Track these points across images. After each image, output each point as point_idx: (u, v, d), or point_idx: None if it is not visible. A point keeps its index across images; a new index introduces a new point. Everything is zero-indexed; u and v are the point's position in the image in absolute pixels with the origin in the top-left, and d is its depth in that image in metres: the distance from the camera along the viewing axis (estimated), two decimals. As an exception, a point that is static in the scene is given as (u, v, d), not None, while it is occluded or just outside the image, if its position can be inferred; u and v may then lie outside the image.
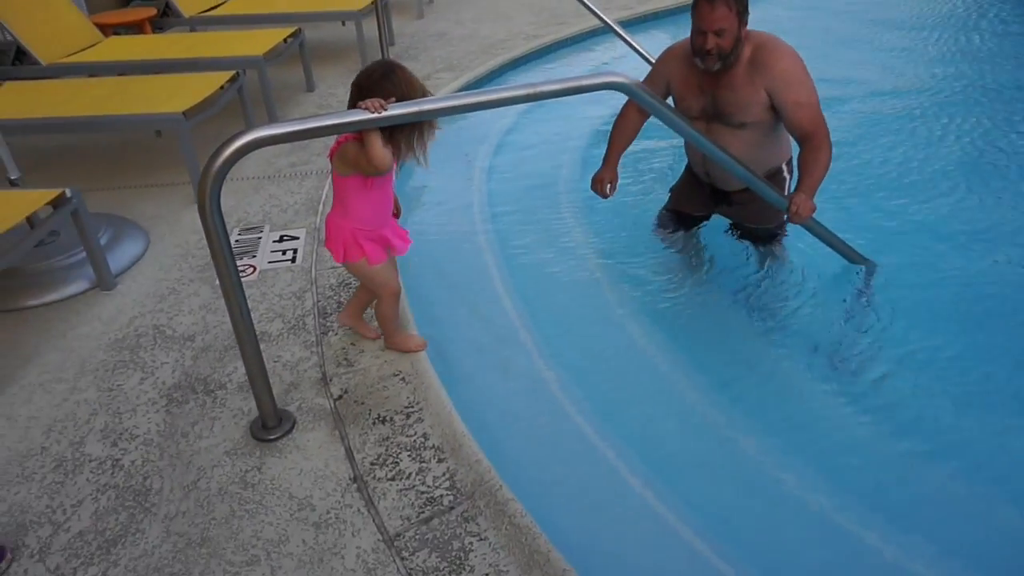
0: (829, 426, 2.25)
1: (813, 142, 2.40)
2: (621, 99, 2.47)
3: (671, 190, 3.07)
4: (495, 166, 4.02)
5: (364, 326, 2.42)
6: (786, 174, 2.75)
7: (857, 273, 2.83)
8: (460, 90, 4.76)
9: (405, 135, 1.93)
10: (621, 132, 2.76)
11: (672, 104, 2.66)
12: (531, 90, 1.94)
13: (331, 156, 2.04)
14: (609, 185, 2.74)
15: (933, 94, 4.75)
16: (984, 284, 2.80)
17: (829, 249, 2.75)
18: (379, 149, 1.87)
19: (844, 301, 2.75)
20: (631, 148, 2.82)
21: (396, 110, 1.79)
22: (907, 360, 2.45)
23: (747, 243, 2.93)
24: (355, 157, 1.94)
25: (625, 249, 3.17)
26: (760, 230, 2.86)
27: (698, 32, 2.38)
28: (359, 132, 1.89)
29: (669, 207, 3.04)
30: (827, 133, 2.42)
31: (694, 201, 2.94)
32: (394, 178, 2.16)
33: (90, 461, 1.97)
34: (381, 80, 1.86)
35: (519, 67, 5.54)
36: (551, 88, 1.98)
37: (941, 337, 2.54)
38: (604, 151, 2.78)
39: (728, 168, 2.43)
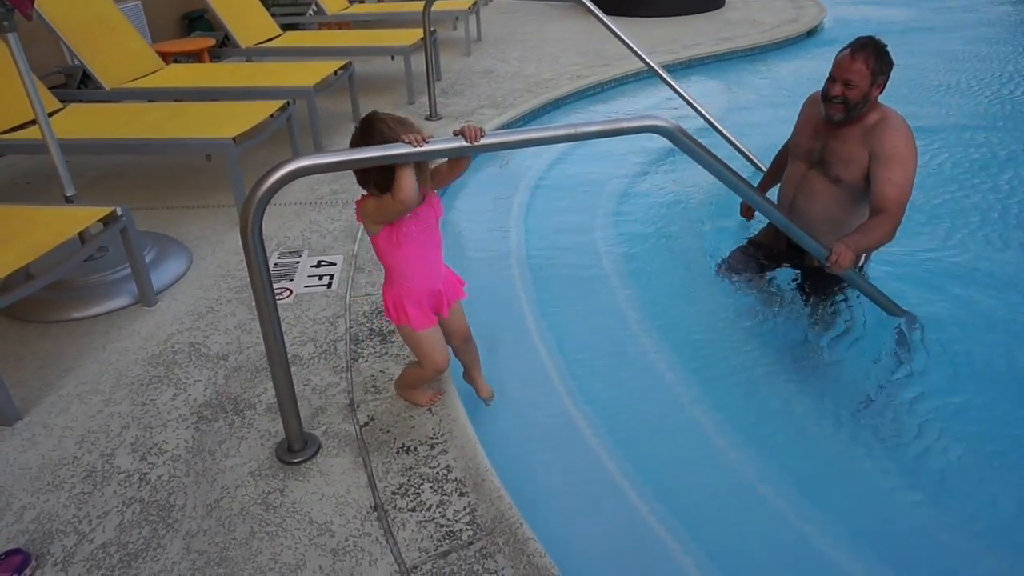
0: (860, 484, 2.19)
1: (884, 218, 2.45)
2: (662, 143, 2.48)
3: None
4: (532, 204, 4.07)
5: (479, 383, 2.32)
6: (865, 257, 2.82)
7: (898, 326, 2.76)
8: (502, 127, 4.84)
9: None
10: (773, 175, 3.08)
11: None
12: (572, 130, 1.97)
13: (359, 219, 1.96)
14: (751, 211, 3.11)
15: (982, 136, 4.68)
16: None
17: (870, 301, 2.70)
18: (407, 180, 1.76)
19: (883, 354, 2.68)
20: (668, 191, 2.84)
21: (437, 145, 1.83)
22: (943, 416, 2.38)
23: (800, 295, 2.91)
24: (375, 208, 1.86)
25: (658, 291, 3.15)
26: (824, 290, 2.86)
27: (830, 78, 2.52)
28: (370, 193, 1.88)
29: (754, 238, 3.09)
30: (900, 220, 2.47)
31: (778, 240, 2.96)
32: (438, 231, 2.01)
33: (119, 473, 2.00)
34: (363, 140, 1.81)
35: (562, 106, 5.62)
36: (592, 129, 2.00)
37: (982, 395, 2.47)
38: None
39: (768, 215, 2.43)
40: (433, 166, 1.94)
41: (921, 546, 1.98)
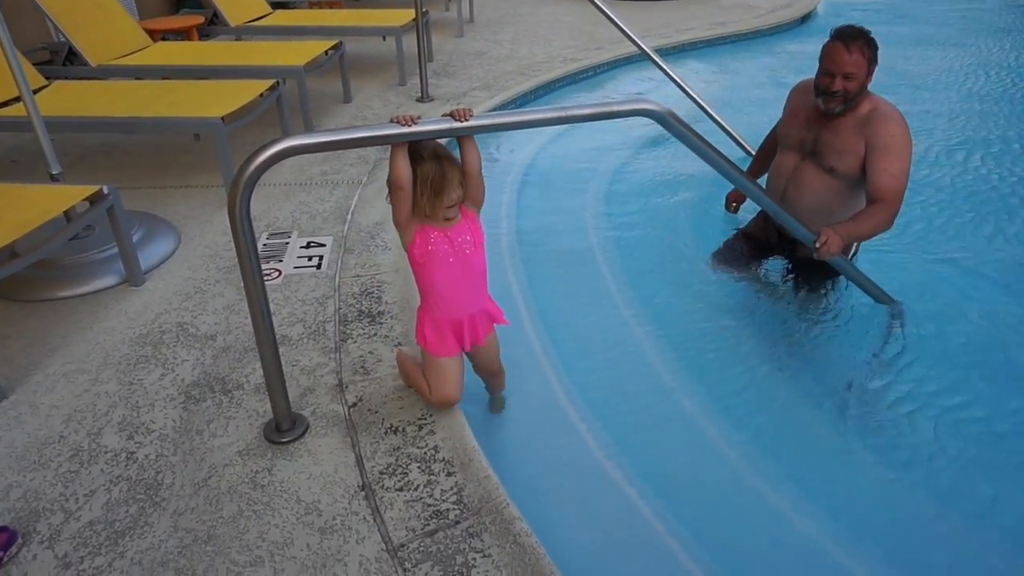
0: (849, 471, 2.21)
1: (881, 207, 2.45)
2: (654, 127, 2.49)
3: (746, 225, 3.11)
4: (522, 190, 4.06)
5: (495, 402, 2.31)
6: (854, 247, 2.82)
7: (884, 313, 2.79)
8: (494, 109, 4.82)
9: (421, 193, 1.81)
10: (760, 161, 3.05)
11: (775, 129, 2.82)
12: (563, 113, 1.96)
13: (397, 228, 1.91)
14: (734, 203, 3.10)
15: (968, 128, 4.71)
16: (1013, 330, 2.74)
17: (859, 290, 2.72)
18: (397, 160, 1.76)
19: (868, 341, 2.70)
20: (659, 176, 2.83)
21: (427, 126, 1.82)
22: (928, 403, 2.41)
23: (791, 285, 2.93)
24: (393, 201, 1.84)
25: (649, 278, 3.16)
26: (814, 280, 2.88)
27: (826, 73, 2.47)
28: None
29: (744, 229, 3.06)
30: (897, 211, 2.47)
31: (769, 230, 2.95)
32: (478, 255, 1.92)
33: (105, 452, 2.00)
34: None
35: (555, 90, 5.60)
36: (583, 112, 2.00)
37: (964, 382, 2.50)
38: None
39: (758, 201, 2.45)
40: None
41: (911, 532, 2.01)
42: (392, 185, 1.81)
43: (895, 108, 2.52)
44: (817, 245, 2.37)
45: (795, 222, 2.48)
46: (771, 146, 2.97)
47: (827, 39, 2.50)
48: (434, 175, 1.78)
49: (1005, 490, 2.10)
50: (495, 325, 2.08)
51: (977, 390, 2.46)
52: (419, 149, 1.81)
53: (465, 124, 1.82)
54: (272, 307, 2.53)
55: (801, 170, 2.65)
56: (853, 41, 2.43)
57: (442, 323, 1.96)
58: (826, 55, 2.48)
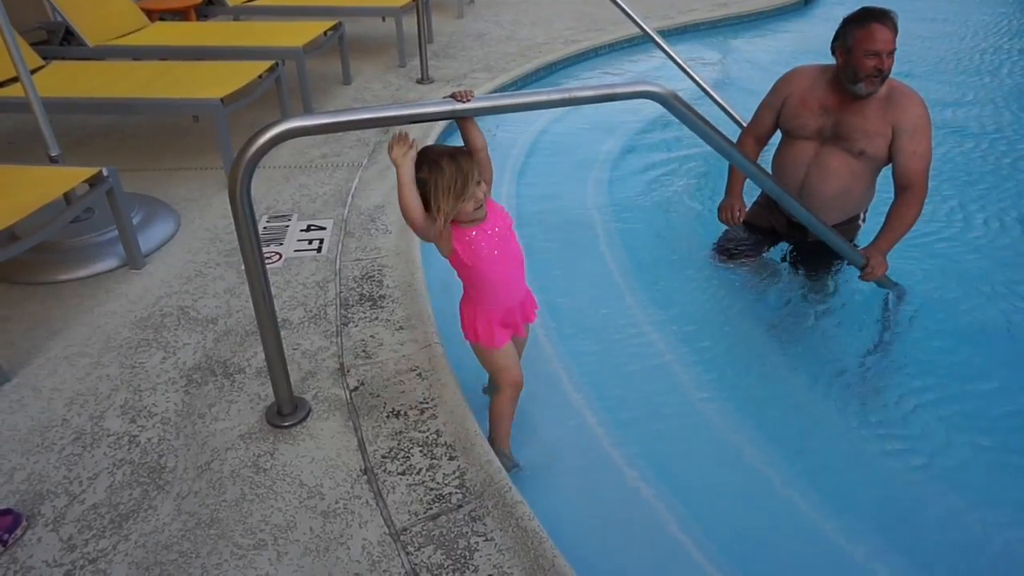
0: (850, 451, 2.22)
1: (911, 195, 2.47)
2: (657, 109, 2.46)
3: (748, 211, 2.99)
4: (524, 171, 4.04)
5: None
6: (861, 222, 2.79)
7: (887, 299, 2.78)
8: (495, 91, 4.78)
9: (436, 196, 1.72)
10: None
11: (779, 122, 2.73)
12: (565, 95, 1.93)
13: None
14: (738, 212, 2.83)
15: (971, 107, 4.67)
16: (1019, 313, 2.73)
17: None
18: (406, 194, 1.69)
19: (871, 326, 2.70)
20: (662, 159, 2.80)
21: (427, 108, 1.80)
22: (931, 388, 2.41)
23: (793, 268, 2.90)
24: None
25: (652, 263, 3.15)
26: (819, 265, 2.85)
27: (870, 54, 2.37)
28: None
29: (745, 219, 2.92)
30: (926, 193, 2.47)
31: (776, 218, 2.88)
32: (513, 241, 1.86)
33: (108, 436, 2.00)
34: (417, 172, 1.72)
35: (556, 71, 5.55)
36: (585, 94, 1.97)
37: (968, 366, 2.50)
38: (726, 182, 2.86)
39: (769, 191, 2.41)
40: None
41: (913, 511, 2.02)
42: (408, 218, 1.73)
43: (910, 86, 2.49)
44: (864, 273, 2.47)
45: (840, 241, 2.49)
46: (751, 148, 2.82)
47: (853, 25, 2.41)
48: (455, 177, 1.69)
49: (1010, 473, 2.10)
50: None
51: (983, 374, 2.46)
52: (429, 155, 1.73)
53: (467, 106, 1.80)
54: (273, 290, 2.52)
55: (824, 157, 2.58)
56: (887, 18, 2.38)
57: (494, 316, 1.90)
58: (867, 37, 2.36)
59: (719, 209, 2.89)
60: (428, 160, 1.72)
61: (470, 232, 1.78)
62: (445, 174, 1.69)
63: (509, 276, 1.87)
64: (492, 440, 2.03)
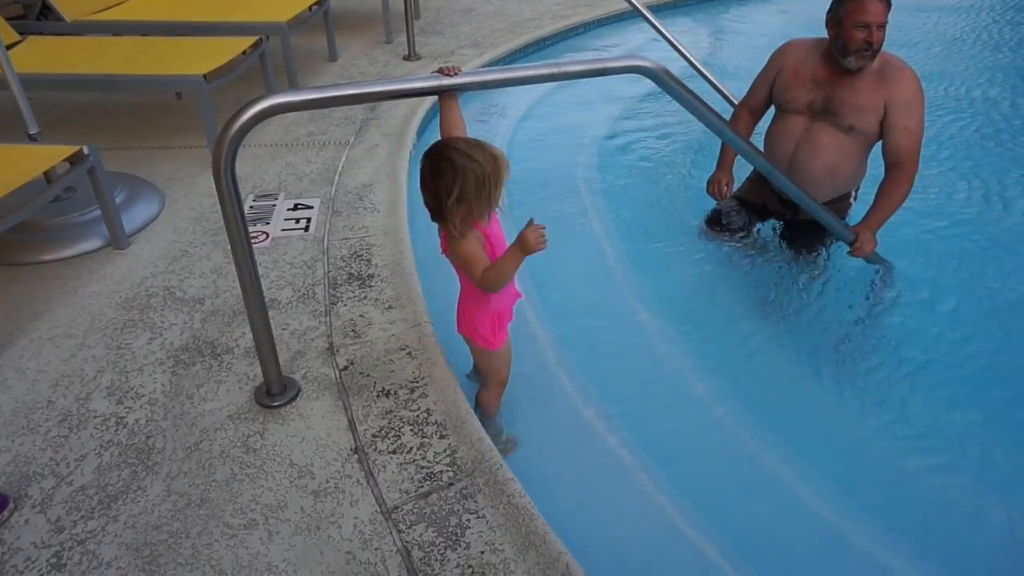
0: (839, 428, 2.24)
1: (901, 173, 2.46)
2: (647, 85, 2.44)
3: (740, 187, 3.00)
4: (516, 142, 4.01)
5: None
6: (852, 200, 2.78)
7: (875, 273, 2.79)
8: (484, 67, 4.73)
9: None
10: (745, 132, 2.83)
11: (771, 95, 2.71)
12: (554, 69, 1.92)
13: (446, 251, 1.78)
14: (726, 186, 2.83)
15: (963, 83, 4.67)
16: (1007, 290, 2.75)
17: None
18: (468, 245, 1.63)
19: (859, 301, 2.71)
20: (652, 135, 2.78)
21: (415, 83, 1.78)
22: (914, 362, 2.44)
23: (783, 245, 2.90)
24: (471, 252, 1.68)
25: (642, 240, 3.15)
26: (809, 242, 2.84)
27: (859, 26, 2.34)
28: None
29: (737, 194, 2.96)
30: (916, 170, 2.46)
31: (767, 195, 2.86)
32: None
33: (95, 417, 1.99)
34: (434, 176, 1.60)
35: (545, 47, 5.50)
36: (574, 68, 1.96)
37: (955, 342, 2.52)
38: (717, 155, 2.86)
39: (759, 166, 2.40)
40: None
41: (903, 489, 2.04)
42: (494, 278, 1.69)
43: (903, 60, 2.47)
44: (852, 249, 2.46)
45: (828, 216, 2.48)
46: (746, 122, 2.83)
47: None
48: (490, 167, 1.58)
49: (1005, 448, 2.13)
50: None
51: (970, 349, 2.48)
52: (456, 148, 1.59)
53: (454, 81, 1.78)
54: (260, 270, 2.49)
55: (814, 131, 2.56)
56: None
57: (503, 314, 1.89)
58: (857, 9, 2.33)
59: (708, 183, 2.90)
60: (452, 151, 1.58)
61: (488, 229, 1.73)
62: (481, 165, 1.57)
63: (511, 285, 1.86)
64: (483, 417, 2.04)
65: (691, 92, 2.15)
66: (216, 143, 1.61)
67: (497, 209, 1.71)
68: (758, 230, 2.97)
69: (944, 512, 1.98)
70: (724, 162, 2.87)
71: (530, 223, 1.62)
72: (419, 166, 1.65)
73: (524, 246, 1.62)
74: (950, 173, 3.58)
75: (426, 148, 1.67)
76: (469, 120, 1.88)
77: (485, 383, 2.07)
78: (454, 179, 1.57)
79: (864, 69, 2.43)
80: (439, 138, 1.73)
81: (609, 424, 2.19)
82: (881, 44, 2.38)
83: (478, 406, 2.07)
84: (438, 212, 1.64)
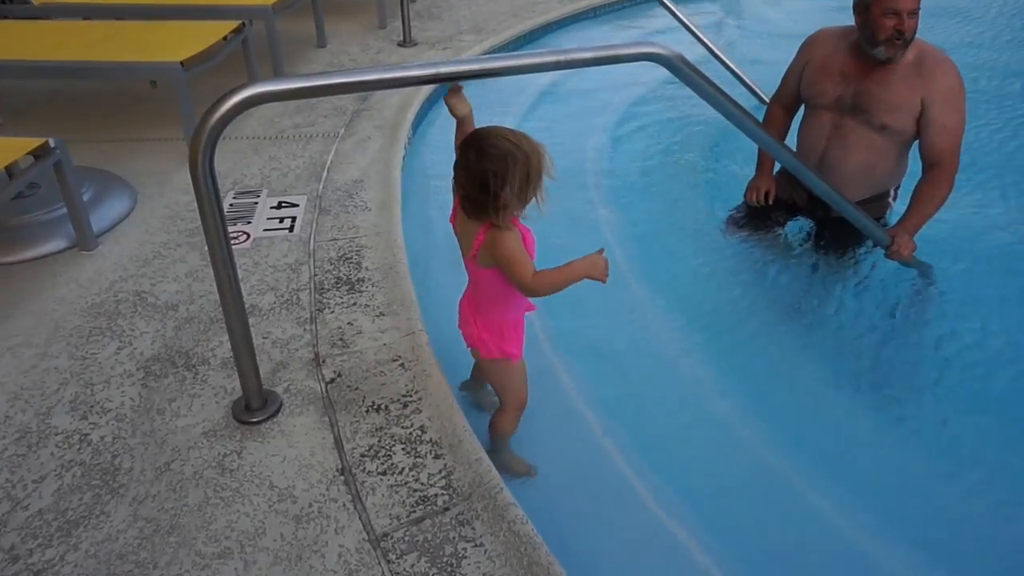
0: (874, 448, 2.21)
1: (940, 173, 2.44)
2: (662, 73, 2.43)
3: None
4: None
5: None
6: (891, 200, 2.75)
7: (911, 276, 2.77)
8: (485, 54, 4.73)
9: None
10: (772, 135, 2.79)
11: (800, 89, 2.69)
12: (561, 57, 1.90)
13: (452, 221, 1.79)
14: (767, 193, 2.80)
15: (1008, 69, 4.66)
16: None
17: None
18: (511, 242, 1.63)
19: (894, 306, 2.69)
20: (666, 129, 2.77)
21: (412, 71, 1.77)
22: (954, 370, 2.42)
23: (814, 247, 2.88)
24: (513, 247, 1.67)
25: (657, 241, 3.13)
26: (841, 243, 2.82)
27: (889, 13, 2.31)
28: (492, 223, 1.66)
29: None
30: (956, 170, 2.44)
31: (797, 191, 2.83)
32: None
33: (56, 434, 1.97)
34: (479, 162, 1.60)
35: (551, 32, 5.50)
36: (583, 56, 1.93)
37: (996, 351, 2.49)
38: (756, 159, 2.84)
39: (786, 163, 2.38)
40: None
41: (945, 519, 2.01)
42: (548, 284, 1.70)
43: (942, 51, 2.44)
44: (889, 253, 2.47)
45: (863, 218, 2.46)
46: (781, 118, 2.83)
47: None
48: (535, 160, 1.61)
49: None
50: None
51: (1015, 356, 2.45)
52: (504, 135, 1.62)
53: (453, 69, 1.76)
54: (240, 274, 2.47)
55: (844, 129, 2.55)
56: None
57: (519, 323, 1.88)
58: None
59: (747, 189, 2.89)
60: (501, 138, 1.60)
61: (524, 226, 1.74)
62: (530, 157, 1.59)
63: None
64: (496, 455, 2.02)
65: (710, 81, 2.13)
66: (193, 135, 1.60)
67: (533, 206, 1.70)
68: (786, 230, 2.95)
69: (998, 546, 1.95)
70: (764, 166, 2.84)
71: (601, 251, 1.70)
72: (458, 154, 1.66)
73: (591, 269, 1.69)
74: (998, 167, 3.55)
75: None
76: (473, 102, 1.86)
77: (502, 405, 2.02)
78: (505, 166, 1.59)
79: (896, 60, 2.39)
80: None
81: (619, 443, 2.16)
82: (914, 33, 2.35)
83: (492, 431, 2.06)
84: (482, 202, 1.63)
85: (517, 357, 1.90)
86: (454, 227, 1.81)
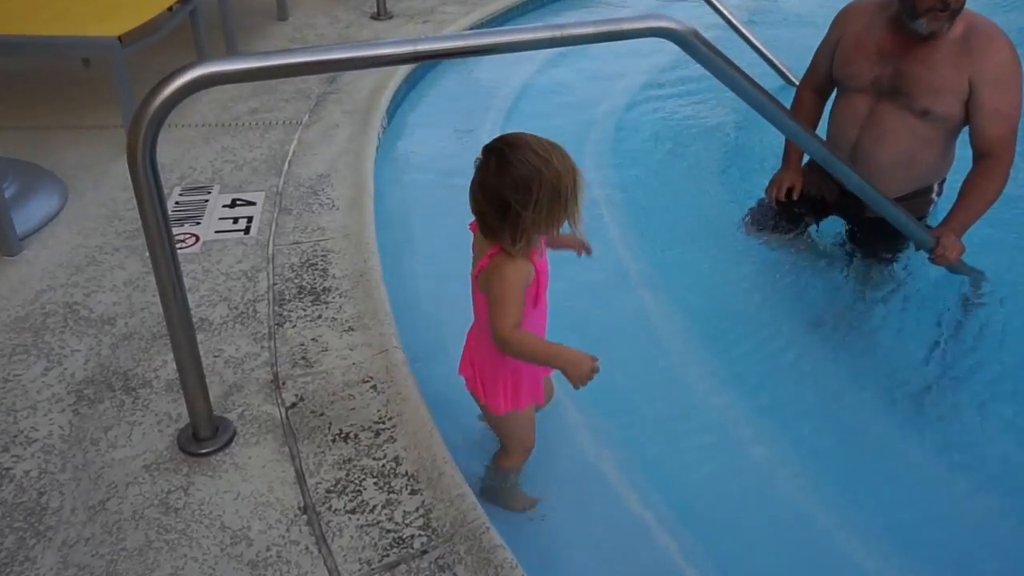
0: (915, 487, 2.25)
1: (993, 164, 2.47)
2: (673, 52, 2.47)
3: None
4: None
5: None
6: (935, 196, 2.78)
7: (961, 285, 2.81)
8: (471, 29, 4.76)
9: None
10: (801, 122, 2.82)
11: (832, 69, 2.73)
12: (558, 33, 1.93)
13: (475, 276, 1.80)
14: (791, 189, 2.83)
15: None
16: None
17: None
18: (514, 276, 1.66)
19: (943, 321, 2.72)
20: (678, 114, 2.79)
21: (386, 49, 1.79)
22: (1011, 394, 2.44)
23: (847, 250, 2.92)
24: (511, 276, 1.68)
25: (667, 242, 3.16)
26: (877, 246, 2.85)
27: None
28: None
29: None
30: (1012, 161, 2.47)
31: (827, 185, 2.86)
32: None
33: (-25, 468, 1.98)
34: (500, 171, 1.58)
35: (546, 4, 5.56)
36: (582, 32, 1.97)
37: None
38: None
39: (815, 154, 2.41)
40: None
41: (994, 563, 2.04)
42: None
43: (995, 25, 2.47)
44: (934, 256, 2.48)
45: (904, 217, 2.49)
46: (812, 104, 2.88)
47: None
48: (568, 178, 1.59)
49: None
50: None
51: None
52: (531, 146, 1.59)
53: (435, 46, 1.80)
54: (188, 283, 2.51)
55: (881, 115, 2.58)
56: None
57: (521, 369, 1.89)
58: None
59: (770, 183, 2.92)
60: (527, 149, 1.58)
61: (541, 262, 1.76)
62: (560, 174, 1.58)
63: (543, 326, 1.91)
64: (498, 496, 2.10)
65: (728, 60, 2.16)
66: (132, 123, 1.62)
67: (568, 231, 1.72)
68: (814, 231, 2.98)
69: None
70: (791, 158, 2.88)
71: (596, 360, 1.74)
72: (477, 159, 1.65)
73: (574, 367, 1.72)
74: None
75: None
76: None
77: (504, 452, 2.09)
78: (529, 184, 1.56)
79: (940, 36, 2.42)
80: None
81: (625, 470, 2.19)
82: (962, 3, 2.37)
83: (494, 467, 2.11)
84: (498, 222, 1.63)
85: (521, 408, 1.92)
86: (474, 235, 1.82)
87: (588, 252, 2.02)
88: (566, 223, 1.65)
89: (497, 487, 2.11)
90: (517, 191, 1.57)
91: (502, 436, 2.08)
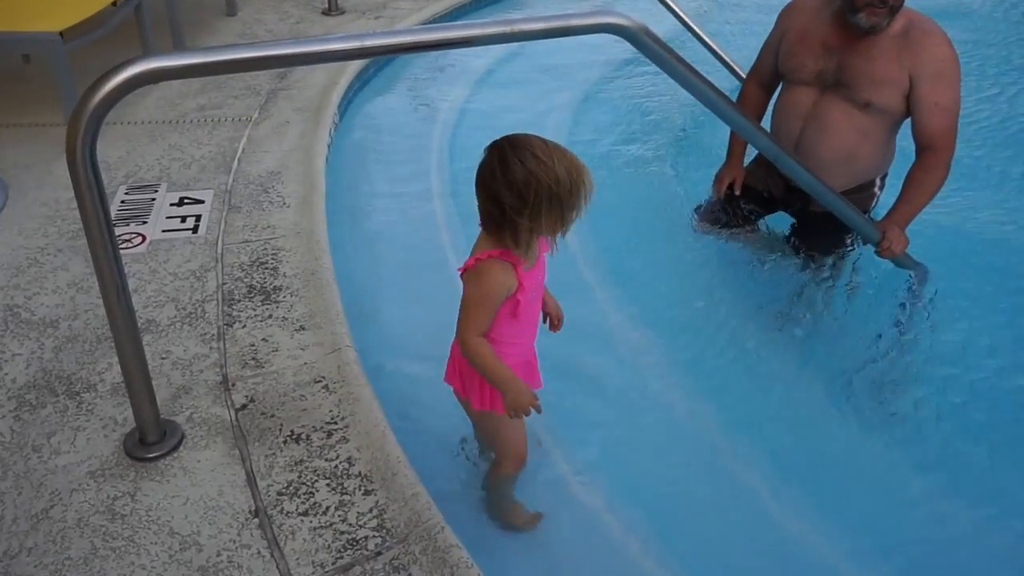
0: (861, 470, 2.29)
1: (934, 157, 2.53)
2: (624, 48, 2.48)
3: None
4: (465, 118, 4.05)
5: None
6: (877, 190, 2.84)
7: (907, 280, 2.87)
8: (425, 23, 4.76)
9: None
10: (753, 109, 2.88)
11: (777, 63, 2.77)
12: (507, 28, 1.93)
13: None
14: (734, 184, 2.88)
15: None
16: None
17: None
18: (491, 282, 1.65)
19: (889, 314, 2.78)
20: (629, 111, 2.81)
21: (333, 44, 1.78)
22: (959, 386, 2.50)
23: (794, 245, 2.95)
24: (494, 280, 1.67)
25: (620, 238, 3.19)
26: (822, 237, 2.89)
27: None
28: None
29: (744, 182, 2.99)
30: (952, 153, 2.53)
31: (773, 180, 2.90)
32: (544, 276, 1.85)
33: (-90, 477, 1.93)
34: (504, 173, 1.55)
35: (499, 0, 5.57)
36: (532, 27, 1.97)
37: (1001, 358, 2.59)
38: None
39: (763, 149, 2.45)
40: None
41: (933, 540, 2.09)
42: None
43: (934, 22, 2.53)
44: (879, 249, 2.54)
45: (849, 210, 2.53)
46: (757, 98, 2.93)
47: None
48: (568, 181, 1.55)
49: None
50: None
51: (1012, 367, 2.55)
52: (531, 146, 1.57)
53: (385, 42, 1.78)
54: (134, 283, 2.48)
55: (824, 107, 2.64)
56: None
57: (516, 371, 1.84)
58: None
59: (714, 178, 2.98)
60: (526, 150, 1.56)
61: (528, 276, 1.72)
62: (559, 178, 1.54)
63: (534, 323, 1.87)
64: (493, 509, 2.09)
65: (677, 57, 2.18)
66: (70, 119, 1.59)
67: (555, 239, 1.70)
68: (764, 225, 3.02)
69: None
70: (734, 153, 2.94)
71: (537, 399, 1.73)
72: (482, 159, 1.62)
73: (512, 397, 1.71)
74: (998, 153, 3.69)
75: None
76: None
77: (497, 460, 2.04)
78: (528, 189, 1.53)
79: (880, 30, 2.48)
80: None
81: (582, 472, 2.20)
82: (899, 1, 2.44)
83: (488, 481, 2.10)
84: (494, 223, 1.62)
85: (501, 408, 1.84)
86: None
87: (558, 327, 2.02)
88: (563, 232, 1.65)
89: (496, 501, 2.09)
90: (512, 195, 1.54)
91: (494, 443, 2.04)
